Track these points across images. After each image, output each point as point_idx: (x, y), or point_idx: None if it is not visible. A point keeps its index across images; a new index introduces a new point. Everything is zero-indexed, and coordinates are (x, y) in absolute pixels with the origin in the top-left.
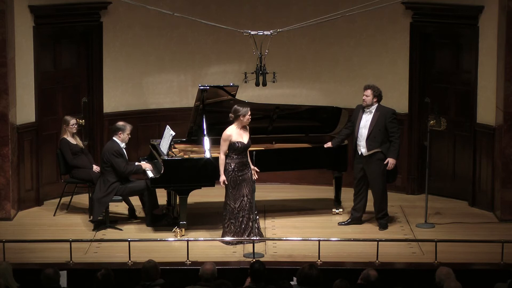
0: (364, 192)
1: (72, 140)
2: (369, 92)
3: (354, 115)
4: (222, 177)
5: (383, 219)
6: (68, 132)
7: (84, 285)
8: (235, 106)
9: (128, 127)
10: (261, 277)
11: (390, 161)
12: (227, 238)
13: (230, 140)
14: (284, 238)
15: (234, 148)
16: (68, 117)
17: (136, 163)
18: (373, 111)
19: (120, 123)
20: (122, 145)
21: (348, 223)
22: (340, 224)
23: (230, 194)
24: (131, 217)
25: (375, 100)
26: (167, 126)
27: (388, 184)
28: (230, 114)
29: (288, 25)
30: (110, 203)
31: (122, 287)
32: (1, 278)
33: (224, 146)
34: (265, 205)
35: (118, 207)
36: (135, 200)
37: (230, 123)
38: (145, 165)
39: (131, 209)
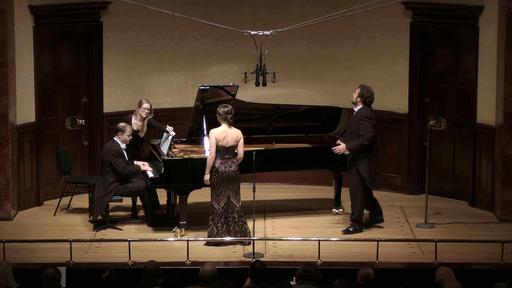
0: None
1: (137, 123)
2: (357, 90)
3: None
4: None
5: (355, 222)
6: (138, 114)
7: (84, 285)
8: (231, 107)
9: (128, 128)
10: (261, 277)
11: (341, 146)
12: (228, 238)
13: None
14: (284, 238)
15: None
16: (144, 100)
17: (135, 162)
18: (355, 110)
19: (121, 124)
20: (123, 146)
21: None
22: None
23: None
24: (133, 217)
25: (358, 100)
26: (167, 126)
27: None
28: (231, 116)
29: (288, 25)
30: (110, 203)
31: (122, 287)
32: (1, 278)
33: None
34: (265, 205)
35: (118, 207)
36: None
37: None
38: (144, 166)
39: (134, 209)
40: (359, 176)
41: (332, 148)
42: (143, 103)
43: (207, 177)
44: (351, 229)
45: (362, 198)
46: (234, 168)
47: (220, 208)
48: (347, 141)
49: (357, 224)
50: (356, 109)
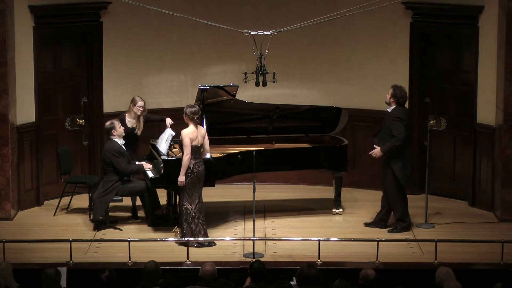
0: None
1: (131, 121)
2: (390, 91)
3: None
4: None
5: (399, 221)
6: (132, 112)
7: (84, 285)
8: (198, 108)
9: (116, 122)
10: (261, 276)
11: (377, 150)
12: (227, 238)
13: None
14: (284, 238)
15: None
16: (137, 97)
17: (137, 163)
18: (389, 111)
19: (107, 123)
20: (121, 142)
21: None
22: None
23: None
24: (133, 217)
25: (392, 100)
26: (167, 118)
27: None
28: (198, 116)
29: (288, 25)
30: (110, 203)
31: (122, 287)
32: (1, 278)
33: None
34: (265, 205)
35: (118, 207)
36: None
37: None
38: (146, 165)
39: (134, 209)
40: (393, 176)
41: (369, 153)
42: (137, 101)
43: (182, 178)
44: (398, 228)
45: (401, 198)
46: (203, 167)
47: (193, 208)
48: (382, 142)
49: (402, 222)
50: (389, 110)
